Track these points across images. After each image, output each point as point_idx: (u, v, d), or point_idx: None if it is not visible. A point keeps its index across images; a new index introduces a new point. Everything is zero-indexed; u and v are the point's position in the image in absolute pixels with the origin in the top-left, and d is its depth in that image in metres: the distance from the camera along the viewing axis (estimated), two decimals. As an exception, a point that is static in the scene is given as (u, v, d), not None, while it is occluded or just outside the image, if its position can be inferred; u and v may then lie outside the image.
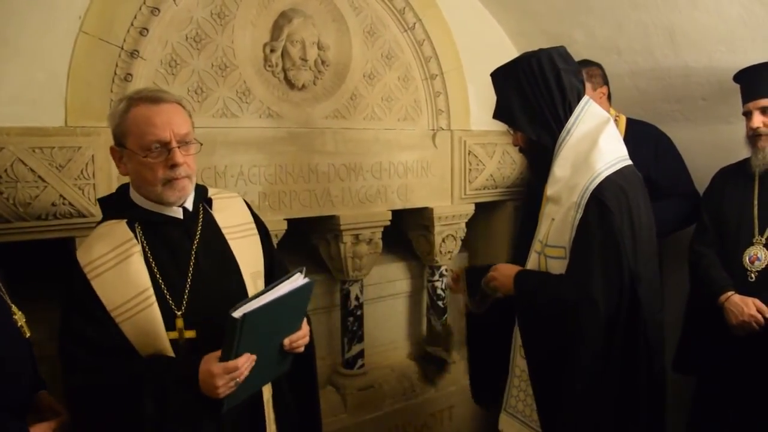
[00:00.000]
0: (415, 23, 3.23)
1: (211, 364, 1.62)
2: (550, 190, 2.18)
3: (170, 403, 1.64)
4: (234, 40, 2.69)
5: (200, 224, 1.87)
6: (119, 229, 1.77)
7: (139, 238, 1.76)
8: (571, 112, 2.13)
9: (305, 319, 1.88)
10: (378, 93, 3.17)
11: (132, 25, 2.42)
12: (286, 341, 1.78)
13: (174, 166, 1.71)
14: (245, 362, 1.63)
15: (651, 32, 3.02)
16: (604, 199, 1.98)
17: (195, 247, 1.82)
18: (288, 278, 1.72)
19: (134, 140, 1.70)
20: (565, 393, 2.06)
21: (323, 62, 2.93)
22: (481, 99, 3.53)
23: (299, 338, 1.82)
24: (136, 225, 1.78)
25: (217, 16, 2.64)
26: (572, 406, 2.05)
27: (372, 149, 3.16)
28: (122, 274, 1.71)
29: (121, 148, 1.75)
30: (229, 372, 1.61)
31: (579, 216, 2.03)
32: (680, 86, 3.18)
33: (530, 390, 2.23)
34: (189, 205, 1.84)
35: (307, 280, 1.74)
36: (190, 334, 1.74)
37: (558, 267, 2.11)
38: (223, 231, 1.91)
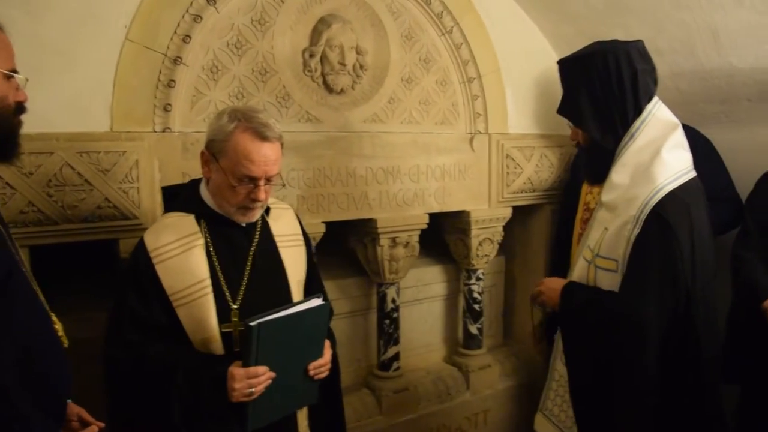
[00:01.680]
0: (452, 27, 3.22)
1: (235, 367, 1.74)
2: (605, 196, 2.11)
3: (200, 395, 1.76)
4: (274, 45, 2.73)
5: (258, 229, 2.02)
6: (187, 221, 1.93)
7: (203, 232, 1.92)
8: (639, 115, 2.04)
9: (328, 348, 1.98)
10: (416, 97, 3.18)
11: (175, 32, 2.47)
12: (310, 367, 1.89)
13: (255, 200, 1.84)
14: (263, 373, 1.74)
15: (693, 32, 2.96)
16: (666, 216, 1.90)
17: (253, 249, 1.98)
18: (306, 301, 1.86)
19: (228, 164, 1.81)
20: (617, 412, 2.01)
21: (361, 66, 2.95)
22: (519, 102, 3.52)
23: (320, 365, 1.92)
24: (202, 220, 1.94)
25: (258, 22, 2.68)
26: (622, 427, 2.02)
27: (409, 153, 3.16)
28: (184, 263, 1.87)
29: (212, 157, 1.85)
30: (249, 377, 1.72)
31: (637, 232, 1.94)
32: (724, 87, 3.11)
33: (567, 397, 2.21)
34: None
35: (323, 302, 1.87)
36: (242, 327, 1.84)
37: (607, 279, 2.05)
38: (276, 238, 2.05)
